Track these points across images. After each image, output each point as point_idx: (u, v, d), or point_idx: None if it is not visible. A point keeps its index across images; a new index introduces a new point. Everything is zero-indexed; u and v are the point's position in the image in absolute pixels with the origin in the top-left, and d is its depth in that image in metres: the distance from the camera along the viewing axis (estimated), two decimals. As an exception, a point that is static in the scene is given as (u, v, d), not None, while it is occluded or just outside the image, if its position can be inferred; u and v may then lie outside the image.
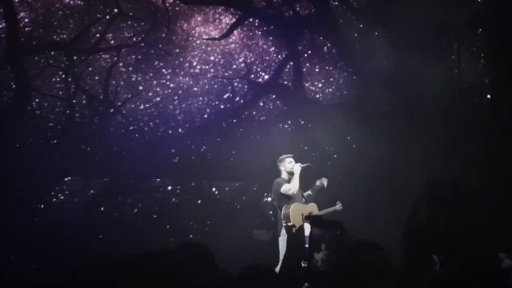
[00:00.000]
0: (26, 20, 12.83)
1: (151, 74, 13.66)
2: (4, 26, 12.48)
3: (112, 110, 13.24)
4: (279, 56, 14.15)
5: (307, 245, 5.34)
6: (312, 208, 8.93)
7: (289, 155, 9.30)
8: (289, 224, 8.56)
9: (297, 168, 8.95)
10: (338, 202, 9.23)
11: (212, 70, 13.94)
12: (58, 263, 10.51)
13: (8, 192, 11.70)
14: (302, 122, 13.61)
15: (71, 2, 13.15)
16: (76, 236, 11.75)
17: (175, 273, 3.43)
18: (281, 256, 8.43)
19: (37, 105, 13.05)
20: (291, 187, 8.86)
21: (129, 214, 13.22)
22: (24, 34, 12.69)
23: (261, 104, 14.08)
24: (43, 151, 12.64)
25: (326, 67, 14.07)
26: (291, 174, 8.99)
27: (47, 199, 12.70)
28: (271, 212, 13.24)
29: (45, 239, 11.28)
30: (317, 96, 14.00)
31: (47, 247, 11.18)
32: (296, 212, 8.66)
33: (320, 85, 14.09)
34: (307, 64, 13.95)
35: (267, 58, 14.22)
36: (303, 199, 9.01)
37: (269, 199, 13.58)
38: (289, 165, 9.10)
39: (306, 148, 13.30)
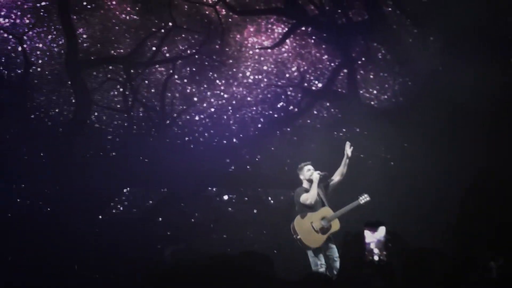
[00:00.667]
0: (84, 36, 13.25)
1: (205, 85, 13.84)
2: (64, 42, 12.93)
3: (168, 122, 13.47)
4: (332, 64, 14.07)
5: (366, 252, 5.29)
6: (325, 212, 8.56)
7: (308, 162, 8.87)
8: (297, 237, 8.47)
9: (315, 176, 8.64)
10: (364, 194, 8.68)
11: (265, 80, 14.01)
12: (120, 272, 10.71)
13: (70, 205, 12.04)
14: (358, 130, 13.47)
15: (127, 18, 13.49)
16: (135, 246, 11.93)
17: (237, 281, 3.46)
18: (314, 267, 8.39)
19: (96, 118, 13.42)
20: (309, 196, 8.58)
21: (187, 223, 13.35)
22: (82, 49, 13.08)
23: (315, 112, 14.03)
24: (103, 164, 12.94)
25: (381, 74, 13.91)
26: (310, 182, 8.75)
27: (107, 211, 12.99)
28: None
29: (106, 249, 11.51)
30: (372, 103, 13.84)
31: (108, 256, 11.41)
32: (301, 223, 8.51)
33: (375, 91, 13.93)
34: (361, 71, 13.82)
35: (320, 66, 14.17)
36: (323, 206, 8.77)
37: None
38: (308, 173, 8.72)
39: (362, 155, 13.16)
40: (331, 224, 8.43)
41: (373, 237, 5.32)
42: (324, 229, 8.40)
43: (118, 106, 13.55)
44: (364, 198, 8.59)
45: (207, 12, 13.62)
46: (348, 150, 8.80)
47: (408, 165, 12.39)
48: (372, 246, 5.30)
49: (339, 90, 13.98)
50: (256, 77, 13.95)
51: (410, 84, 13.52)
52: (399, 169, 12.55)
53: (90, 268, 11.08)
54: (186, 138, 13.71)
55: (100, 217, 12.64)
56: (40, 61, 13.09)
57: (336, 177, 8.79)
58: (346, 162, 8.76)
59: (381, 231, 5.37)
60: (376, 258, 5.25)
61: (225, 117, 13.88)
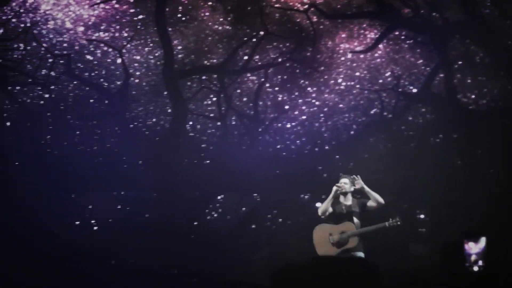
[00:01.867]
0: (179, 47, 13.62)
1: (297, 93, 13.85)
2: (160, 54, 13.35)
3: (260, 130, 13.57)
4: (428, 68, 13.67)
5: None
6: (347, 227, 8.31)
7: (345, 176, 8.61)
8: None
9: (333, 188, 8.49)
10: (396, 218, 8.30)
11: (357, 86, 13.82)
12: (214, 278, 10.86)
13: (167, 212, 12.37)
14: (455, 136, 12.99)
15: (220, 28, 13.75)
16: (230, 252, 12.08)
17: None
18: None
19: (191, 127, 13.73)
20: (321, 207, 8.54)
21: (280, 230, 13.35)
22: (177, 61, 13.45)
23: (410, 118, 13.67)
24: (198, 171, 13.21)
25: (479, 77, 13.36)
26: (344, 195, 8.49)
27: (202, 217, 13.22)
28: (424, 230, 12.78)
29: (201, 255, 11.72)
30: (470, 107, 13.31)
31: (204, 262, 11.61)
32: (320, 232, 8.42)
33: (473, 96, 13.40)
34: (458, 75, 13.33)
35: (415, 70, 13.81)
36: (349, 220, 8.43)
37: (422, 215, 13.13)
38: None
39: (459, 162, 12.69)
40: (349, 240, 8.21)
41: (475, 248, 5.14)
42: (339, 243, 8.23)
43: (212, 115, 13.81)
44: (393, 222, 8.25)
45: (298, 20, 13.63)
46: (356, 184, 8.46)
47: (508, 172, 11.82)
48: (474, 257, 5.11)
49: (435, 95, 13.55)
50: (349, 83, 13.80)
51: (510, 88, 12.90)
52: (502, 178, 11.98)
53: (187, 273, 11.31)
54: (278, 146, 13.77)
55: (196, 223, 12.88)
56: (138, 73, 13.57)
57: (372, 204, 8.40)
58: (367, 191, 8.42)
59: (482, 241, 5.19)
60: (476, 268, 5.07)
61: (317, 124, 13.82)
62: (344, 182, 8.48)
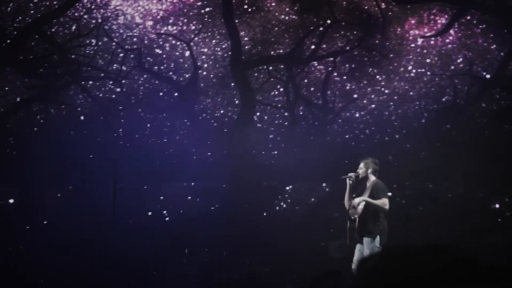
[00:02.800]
0: (246, 38, 13.63)
1: (366, 81, 13.65)
2: (227, 45, 13.41)
3: (328, 119, 13.45)
4: (502, 53, 13.18)
5: None
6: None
7: (361, 161, 8.23)
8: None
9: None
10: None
11: (428, 73, 13.48)
12: (285, 268, 10.86)
13: (237, 202, 12.45)
14: (532, 122, 12.51)
15: (286, 18, 13.68)
16: (299, 242, 12.03)
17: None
18: None
19: (258, 118, 13.77)
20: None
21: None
22: (244, 52, 13.47)
23: (483, 105, 13.24)
24: (266, 162, 13.23)
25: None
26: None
27: (271, 208, 13.24)
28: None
29: (270, 245, 11.73)
30: (549, 92, 12.77)
31: (274, 252, 11.62)
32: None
33: (552, 80, 12.85)
34: (535, 59, 12.81)
35: (488, 56, 13.36)
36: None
37: (497, 205, 12.72)
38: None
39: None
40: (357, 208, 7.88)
41: None
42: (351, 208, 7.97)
43: (279, 105, 13.79)
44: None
45: (366, 7, 13.40)
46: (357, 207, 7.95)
47: None
48: None
49: (510, 80, 13.05)
50: (419, 70, 13.49)
51: None
52: None
53: (259, 263, 11.36)
54: (347, 136, 13.62)
55: (265, 214, 12.91)
56: (205, 65, 13.69)
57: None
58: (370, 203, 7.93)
59: None
60: None
61: (386, 113, 13.59)
62: (359, 167, 8.20)
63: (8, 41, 13.18)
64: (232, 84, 13.55)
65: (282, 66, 13.53)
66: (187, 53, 13.50)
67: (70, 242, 12.15)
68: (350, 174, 8.09)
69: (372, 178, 8.08)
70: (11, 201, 13.41)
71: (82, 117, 13.59)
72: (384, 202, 7.77)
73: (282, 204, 13.48)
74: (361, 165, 8.17)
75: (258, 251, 11.51)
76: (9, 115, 13.28)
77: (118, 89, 13.54)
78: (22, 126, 13.43)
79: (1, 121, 13.15)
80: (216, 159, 13.26)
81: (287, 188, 13.45)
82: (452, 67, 13.46)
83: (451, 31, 13.35)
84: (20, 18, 13.17)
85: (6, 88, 13.30)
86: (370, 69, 13.58)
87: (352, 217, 7.91)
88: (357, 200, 7.84)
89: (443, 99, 13.47)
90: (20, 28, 13.01)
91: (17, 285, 10.71)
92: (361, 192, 8.03)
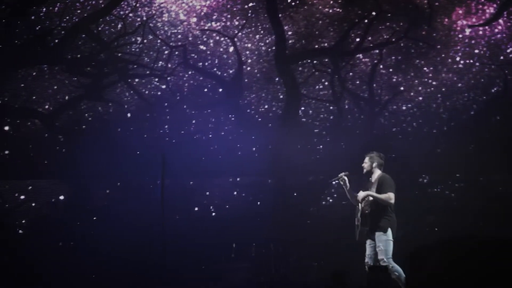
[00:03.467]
0: (290, 33, 13.56)
1: (412, 73, 13.41)
2: (271, 40, 13.38)
3: (374, 113, 13.28)
4: (556, 41, 12.79)
5: None
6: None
7: (366, 155, 8.34)
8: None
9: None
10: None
11: (477, 64, 13.17)
12: (334, 262, 10.78)
13: (283, 198, 12.42)
14: None
15: (330, 11, 13.55)
16: (347, 239, 11.92)
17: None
18: None
19: (303, 113, 13.68)
20: None
21: (401, 213, 12.98)
22: (288, 46, 13.40)
23: (537, 96, 12.86)
24: (311, 157, 13.14)
25: None
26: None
27: (318, 203, 13.16)
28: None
29: (318, 240, 11.68)
30: None
31: (320, 247, 11.57)
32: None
33: None
34: None
35: (541, 45, 12.96)
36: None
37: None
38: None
39: None
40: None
41: None
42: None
43: (324, 99, 13.68)
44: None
45: (411, -2, 13.18)
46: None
47: None
48: None
49: None
50: (467, 61, 13.18)
51: None
52: None
53: (306, 257, 11.33)
54: (394, 129, 13.41)
55: (311, 209, 12.84)
56: (249, 60, 13.67)
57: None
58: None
59: None
60: None
61: (434, 105, 13.34)
62: (364, 162, 8.28)
63: (56, 41, 13.48)
64: (276, 79, 13.52)
65: (326, 60, 13.40)
66: (231, 49, 13.53)
67: (118, 237, 12.36)
68: (341, 175, 8.20)
69: (378, 172, 8.15)
70: (61, 197, 13.69)
71: (128, 114, 13.75)
72: (389, 196, 7.83)
73: (328, 198, 13.37)
74: (366, 159, 8.26)
75: (305, 245, 11.47)
76: (58, 113, 13.54)
77: (164, 86, 13.65)
78: (70, 124, 13.67)
79: (51, 119, 13.43)
80: (261, 154, 13.24)
81: (334, 183, 13.30)
82: (502, 57, 13.13)
83: (500, 21, 13.04)
84: (67, 18, 13.43)
85: (55, 87, 13.58)
86: (417, 60, 13.34)
87: (360, 213, 7.98)
88: (361, 194, 7.92)
89: (493, 90, 13.15)
90: (68, 28, 13.27)
91: (70, 279, 10.97)
92: (368, 187, 8.09)
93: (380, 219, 7.87)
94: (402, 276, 7.70)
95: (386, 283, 7.72)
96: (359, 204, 8.01)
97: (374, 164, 8.19)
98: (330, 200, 13.39)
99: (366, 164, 8.25)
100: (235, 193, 13.43)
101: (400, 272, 7.76)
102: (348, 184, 8.16)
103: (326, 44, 13.48)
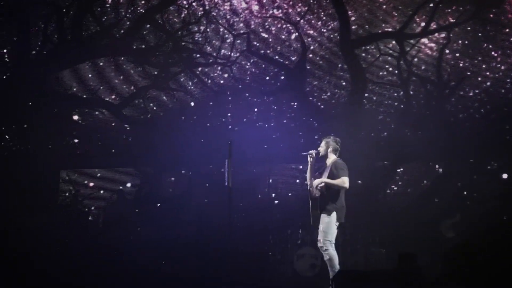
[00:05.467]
0: (353, 18, 13.39)
1: (480, 58, 13.03)
2: (334, 26, 13.28)
3: (440, 99, 12.98)
4: None
5: None
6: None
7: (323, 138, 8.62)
8: None
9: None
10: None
11: (548, 46, 12.70)
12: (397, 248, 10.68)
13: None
14: None
15: (396, -5, 13.32)
16: (414, 224, 11.77)
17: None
18: None
19: (367, 99, 13.45)
20: None
21: (460, 202, 12.74)
22: (351, 32, 13.24)
23: None
24: (375, 143, 12.98)
25: None
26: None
27: (383, 190, 13.01)
28: None
29: (383, 228, 11.58)
30: None
31: (386, 234, 11.46)
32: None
33: None
34: None
35: None
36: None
37: None
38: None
39: None
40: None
41: None
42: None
43: (388, 86, 13.46)
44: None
45: (479, -21, 12.79)
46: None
47: None
48: None
49: None
50: (539, 44, 12.71)
51: None
52: None
53: (372, 243, 11.25)
54: (461, 115, 13.09)
55: (377, 196, 12.72)
56: (311, 47, 13.58)
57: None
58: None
59: None
60: None
61: (503, 90, 12.91)
62: (321, 146, 8.53)
63: (122, 32, 13.80)
64: (339, 65, 13.40)
65: (391, 45, 13.18)
66: (293, 36, 13.50)
67: (185, 224, 12.59)
68: (311, 152, 8.42)
69: (333, 156, 8.43)
70: (128, 185, 14.05)
71: (192, 103, 13.93)
72: (343, 181, 8.13)
73: (393, 186, 13.21)
74: (322, 143, 8.50)
75: (371, 232, 11.39)
76: (125, 102, 13.87)
77: (226, 74, 13.76)
78: (136, 113, 13.98)
79: (117, 109, 13.78)
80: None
81: (398, 170, 13.16)
82: None
83: None
84: (132, 8, 13.73)
85: (121, 77, 13.94)
86: (485, 44, 12.94)
87: (313, 196, 8.24)
88: (316, 181, 8.19)
89: None
90: (133, 19, 13.56)
91: (140, 262, 11.26)
92: (323, 170, 8.36)
93: (327, 202, 8.17)
94: (335, 262, 8.04)
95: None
96: (311, 188, 8.29)
97: (330, 149, 8.47)
98: (395, 188, 13.23)
99: (321, 148, 8.53)
100: (298, 181, 13.44)
101: (333, 258, 8.08)
102: (313, 163, 8.48)
103: (390, 29, 13.24)
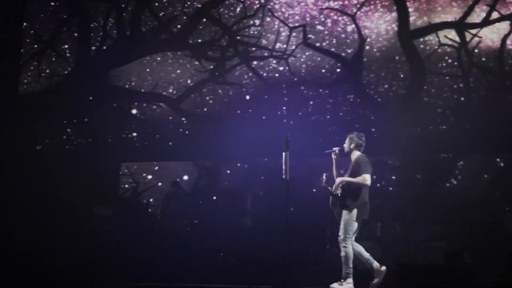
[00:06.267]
0: (411, 9, 13.13)
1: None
2: (391, 18, 13.08)
3: (502, 90, 12.63)
4: None
5: None
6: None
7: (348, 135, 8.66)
8: None
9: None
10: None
11: None
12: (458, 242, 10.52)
13: (404, 179, 12.17)
14: None
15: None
16: (473, 219, 11.54)
17: None
18: None
19: (425, 92, 13.20)
20: None
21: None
22: (409, 23, 13.00)
23: None
24: (433, 137, 12.75)
25: None
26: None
27: (440, 184, 12.78)
28: None
29: (443, 221, 11.38)
30: None
31: (446, 228, 11.27)
32: None
33: None
34: None
35: None
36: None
37: None
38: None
39: None
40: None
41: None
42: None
43: (447, 78, 13.16)
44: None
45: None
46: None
47: None
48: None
49: None
50: None
51: None
52: None
53: (432, 238, 11.09)
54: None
55: (439, 189, 12.48)
56: (368, 39, 13.40)
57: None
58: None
59: None
60: None
61: None
62: (345, 143, 8.57)
63: (179, 26, 13.98)
64: (396, 57, 13.19)
65: (450, 36, 12.87)
66: (349, 28, 13.37)
67: (241, 216, 12.70)
68: (334, 148, 8.48)
69: (357, 153, 8.45)
70: (185, 177, 14.25)
71: (247, 97, 13.99)
72: (364, 178, 8.17)
73: (452, 180, 12.94)
74: (346, 140, 8.53)
75: (432, 225, 11.21)
76: (182, 96, 14.06)
77: (282, 68, 13.75)
78: (193, 107, 14.14)
79: (175, 103, 13.98)
80: (380, 135, 13.02)
81: (458, 164, 12.88)
82: None
83: None
84: (189, 3, 13.90)
85: (178, 71, 14.12)
86: (549, 34, 12.48)
87: (334, 193, 8.38)
88: (337, 180, 8.35)
89: None
90: (190, 13, 13.72)
91: (198, 254, 11.43)
92: (347, 167, 8.46)
93: (348, 200, 8.27)
94: (349, 261, 8.15)
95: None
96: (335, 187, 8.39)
97: (353, 145, 8.49)
98: (454, 182, 12.97)
99: (346, 145, 8.54)
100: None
101: (349, 256, 8.18)
102: (337, 160, 8.59)
103: (449, 19, 12.94)
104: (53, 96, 13.99)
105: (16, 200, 12.65)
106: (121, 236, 12.35)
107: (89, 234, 12.03)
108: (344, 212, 8.24)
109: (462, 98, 12.91)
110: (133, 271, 10.92)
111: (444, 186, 12.70)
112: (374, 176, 12.32)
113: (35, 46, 14.54)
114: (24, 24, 14.56)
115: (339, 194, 8.33)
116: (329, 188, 8.45)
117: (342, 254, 8.22)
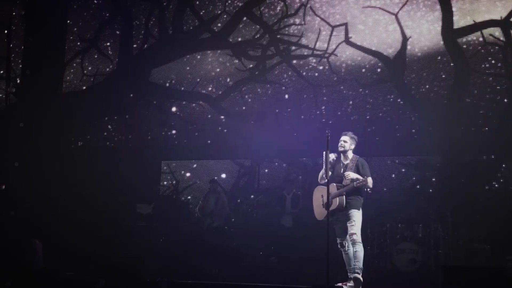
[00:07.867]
0: (454, 9, 12.94)
1: None
2: (434, 17, 12.93)
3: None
4: None
5: None
6: (332, 188, 8.23)
7: (344, 134, 8.54)
8: None
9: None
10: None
11: None
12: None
13: (448, 176, 12.02)
14: None
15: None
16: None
17: None
18: None
19: (467, 92, 12.99)
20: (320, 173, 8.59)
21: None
22: (453, 23, 12.81)
23: None
24: (475, 137, 12.55)
25: None
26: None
27: (481, 185, 12.55)
28: None
29: (488, 223, 11.19)
30: None
31: (491, 230, 11.08)
32: (317, 193, 8.57)
33: None
34: None
35: None
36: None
37: None
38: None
39: None
40: (333, 201, 8.15)
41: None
42: (326, 204, 8.19)
43: (490, 79, 12.92)
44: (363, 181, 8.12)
45: None
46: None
47: None
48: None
49: None
50: None
51: None
52: None
53: (474, 240, 10.92)
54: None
55: (486, 187, 12.33)
56: (410, 39, 13.22)
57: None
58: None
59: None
60: None
61: None
62: (344, 141, 8.44)
63: (219, 25, 14.06)
64: (438, 57, 13.02)
65: (496, 34, 12.59)
66: (391, 27, 13.24)
67: (278, 216, 12.70)
68: (331, 156, 8.36)
69: (351, 153, 8.46)
70: (223, 176, 14.32)
71: (286, 96, 13.98)
72: (371, 181, 8.25)
73: (494, 183, 12.71)
74: (347, 138, 8.45)
75: (475, 227, 11.03)
76: (221, 95, 14.13)
77: (321, 67, 13.70)
78: (232, 105, 14.20)
79: (215, 101, 14.06)
80: (421, 136, 12.89)
81: (501, 166, 12.65)
82: None
83: None
84: (229, 1, 13.98)
85: (218, 70, 14.20)
86: None
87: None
88: (352, 175, 8.17)
89: None
90: (231, 12, 13.78)
91: (233, 252, 11.49)
92: (341, 167, 8.35)
93: (355, 198, 8.26)
94: (362, 257, 8.11)
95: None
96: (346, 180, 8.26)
97: (353, 146, 8.47)
98: (496, 185, 12.74)
99: (347, 143, 8.45)
100: (394, 175, 13.22)
101: (362, 252, 8.14)
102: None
103: (493, 17, 12.70)
104: (95, 93, 14.22)
105: (58, 196, 12.88)
106: (162, 233, 12.48)
107: (132, 230, 12.20)
108: (354, 211, 8.21)
109: (506, 100, 12.65)
110: (173, 267, 11.03)
111: (486, 188, 12.48)
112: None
113: (78, 44, 14.80)
114: (68, 21, 14.85)
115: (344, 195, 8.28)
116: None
117: (357, 249, 8.18)
